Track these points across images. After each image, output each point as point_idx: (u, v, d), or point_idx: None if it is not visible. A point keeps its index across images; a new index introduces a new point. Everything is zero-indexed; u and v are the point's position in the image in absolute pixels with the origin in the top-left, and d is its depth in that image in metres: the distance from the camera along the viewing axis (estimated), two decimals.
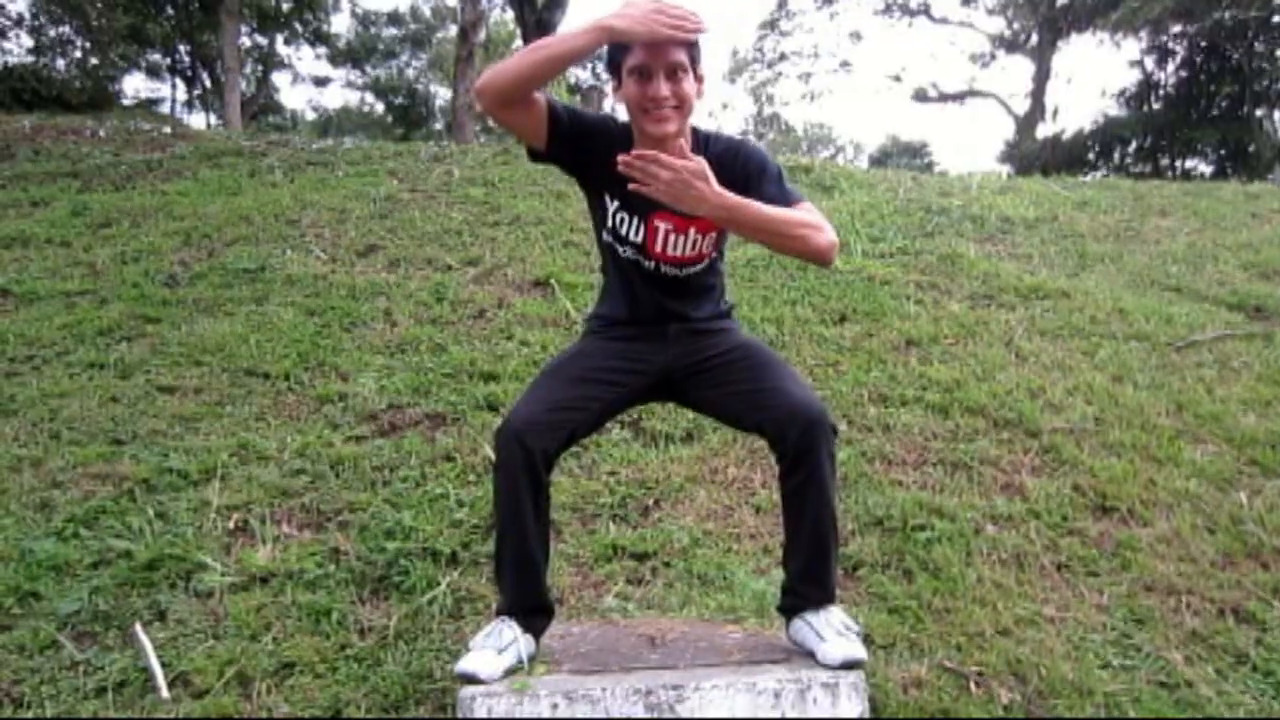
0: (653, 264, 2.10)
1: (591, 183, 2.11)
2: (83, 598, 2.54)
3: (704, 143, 2.06)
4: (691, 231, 2.06)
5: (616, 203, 2.06)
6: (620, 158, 1.82)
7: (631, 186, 1.84)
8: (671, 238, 2.06)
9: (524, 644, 1.99)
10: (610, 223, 2.10)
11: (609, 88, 2.12)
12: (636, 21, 1.84)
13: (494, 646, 1.95)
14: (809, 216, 1.95)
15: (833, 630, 1.96)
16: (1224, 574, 2.85)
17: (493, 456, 1.98)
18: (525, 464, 1.92)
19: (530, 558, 2.01)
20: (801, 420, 1.92)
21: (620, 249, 2.11)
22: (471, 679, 1.87)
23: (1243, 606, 2.70)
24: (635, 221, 2.07)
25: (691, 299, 2.15)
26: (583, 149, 2.02)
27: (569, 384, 2.05)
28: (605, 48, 1.96)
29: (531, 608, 2.05)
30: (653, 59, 1.92)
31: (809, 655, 1.97)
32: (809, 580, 2.03)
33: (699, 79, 1.99)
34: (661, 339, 2.14)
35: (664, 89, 1.93)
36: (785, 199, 1.98)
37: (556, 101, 2.00)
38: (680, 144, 1.90)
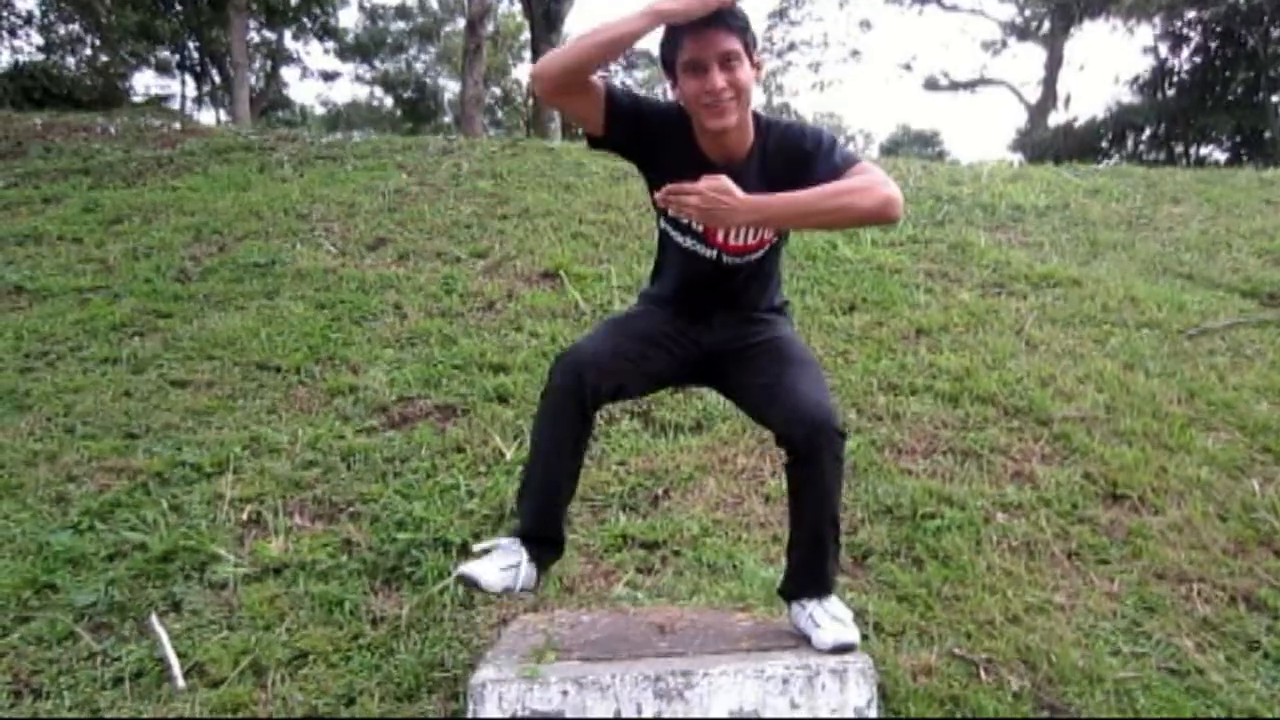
0: (714, 252, 2.07)
1: (651, 170, 2.06)
2: (99, 590, 2.57)
3: (765, 129, 2.03)
4: None
5: None
6: (657, 196, 1.87)
7: (671, 212, 1.88)
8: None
9: (526, 571, 2.01)
10: (671, 211, 2.04)
11: (667, 85, 2.09)
12: (686, 1, 1.83)
13: (499, 562, 1.97)
14: (854, 181, 1.89)
15: (828, 616, 2.01)
16: (1235, 561, 2.84)
17: (546, 381, 1.98)
18: (577, 396, 1.93)
19: (556, 485, 2.04)
20: (808, 423, 1.91)
21: (680, 237, 2.09)
22: (473, 583, 1.93)
23: (1254, 594, 2.69)
24: None
25: (743, 287, 2.14)
26: (643, 136, 2.00)
27: (632, 337, 2.06)
28: (658, 49, 1.96)
29: (544, 537, 2.07)
30: (703, 51, 1.88)
31: (807, 640, 2.01)
32: (805, 574, 2.09)
33: (755, 65, 1.95)
34: (707, 322, 2.14)
35: (719, 80, 1.88)
36: (838, 171, 1.92)
37: (616, 88, 1.97)
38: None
